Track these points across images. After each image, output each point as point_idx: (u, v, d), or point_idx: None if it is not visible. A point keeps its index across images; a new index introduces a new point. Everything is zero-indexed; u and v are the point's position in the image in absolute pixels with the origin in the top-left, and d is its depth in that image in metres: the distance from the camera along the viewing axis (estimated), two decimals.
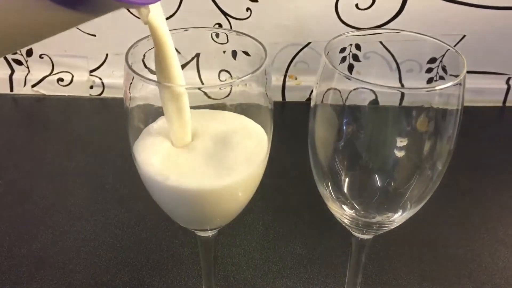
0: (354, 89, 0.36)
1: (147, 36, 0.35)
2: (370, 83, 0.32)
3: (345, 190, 0.38)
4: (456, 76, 0.36)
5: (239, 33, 0.38)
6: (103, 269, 0.52)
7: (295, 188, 0.63)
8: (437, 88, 0.32)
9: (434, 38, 0.38)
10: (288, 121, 0.79)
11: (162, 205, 0.36)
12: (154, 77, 0.33)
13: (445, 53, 0.38)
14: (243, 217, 0.58)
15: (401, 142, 0.36)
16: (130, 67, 0.32)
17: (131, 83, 0.33)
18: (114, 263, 0.53)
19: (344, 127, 0.36)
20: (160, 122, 0.35)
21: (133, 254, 0.54)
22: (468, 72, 0.86)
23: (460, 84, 0.34)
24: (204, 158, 0.33)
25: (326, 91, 0.39)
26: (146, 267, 0.52)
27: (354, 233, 0.40)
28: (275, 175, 0.65)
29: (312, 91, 0.88)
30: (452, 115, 0.34)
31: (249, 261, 0.53)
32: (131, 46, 0.33)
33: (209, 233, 0.40)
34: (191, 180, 0.32)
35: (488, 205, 0.61)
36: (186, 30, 0.38)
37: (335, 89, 0.39)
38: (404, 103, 0.37)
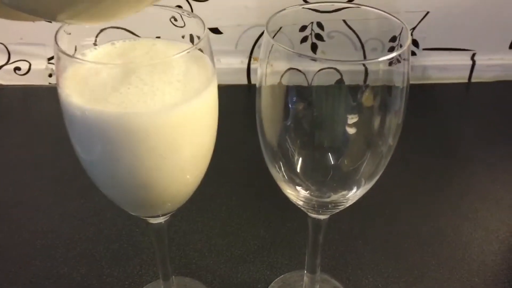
0: (320, 70, 0.35)
1: None
2: (309, 56, 0.31)
3: (298, 170, 0.37)
4: (413, 54, 0.35)
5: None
6: (60, 262, 0.50)
7: (260, 172, 0.62)
8: (380, 59, 0.31)
9: (390, 14, 0.37)
10: (254, 104, 0.78)
11: (95, 174, 0.34)
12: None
13: (401, 31, 0.38)
14: (206, 203, 0.57)
15: (351, 118, 0.35)
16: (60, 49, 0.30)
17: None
18: (72, 255, 0.51)
19: (291, 106, 0.35)
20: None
21: (92, 245, 0.52)
22: (432, 49, 0.86)
23: (404, 59, 0.33)
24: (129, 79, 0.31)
25: (286, 71, 0.38)
26: (106, 257, 0.51)
27: (309, 213, 0.40)
28: (240, 160, 0.64)
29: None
30: (398, 89, 0.33)
31: (212, 247, 0.52)
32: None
33: (161, 219, 0.39)
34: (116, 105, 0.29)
35: (452, 181, 0.61)
36: None
37: (294, 69, 0.38)
38: (369, 82, 0.37)
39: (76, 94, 0.31)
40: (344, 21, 0.44)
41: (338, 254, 0.51)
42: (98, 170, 0.33)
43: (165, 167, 0.32)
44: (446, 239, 0.53)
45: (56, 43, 0.30)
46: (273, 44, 0.33)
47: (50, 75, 0.78)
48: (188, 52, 0.30)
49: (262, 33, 0.76)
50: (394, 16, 0.35)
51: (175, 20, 0.39)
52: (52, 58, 0.77)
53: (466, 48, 0.78)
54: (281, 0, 0.73)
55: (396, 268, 0.50)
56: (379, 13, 0.36)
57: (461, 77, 0.80)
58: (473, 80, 0.80)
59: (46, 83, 0.79)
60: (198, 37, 0.35)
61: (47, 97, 0.77)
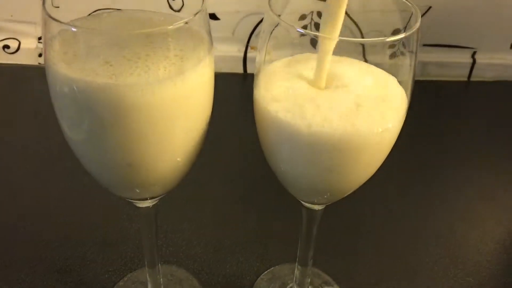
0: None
1: None
2: (312, 33, 0.30)
3: None
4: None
5: None
6: (42, 246, 0.48)
7: (253, 162, 0.60)
8: (387, 39, 0.30)
9: None
10: (250, 94, 0.76)
11: (81, 151, 0.33)
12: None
13: (410, 17, 0.36)
14: (196, 191, 0.55)
15: None
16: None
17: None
18: (55, 239, 0.49)
19: None
20: None
21: (76, 229, 0.50)
22: (433, 45, 0.84)
23: (411, 51, 0.32)
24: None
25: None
26: (89, 242, 0.49)
27: (304, 203, 0.38)
28: (233, 149, 0.62)
29: None
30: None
31: (201, 237, 0.51)
32: None
33: (149, 203, 0.37)
34: None
35: (449, 179, 0.60)
36: None
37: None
38: None
39: (63, 65, 0.29)
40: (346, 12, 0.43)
41: (330, 249, 0.50)
42: (85, 147, 0.31)
43: (155, 145, 0.30)
44: (441, 238, 0.52)
45: (44, 7, 0.28)
46: (278, 23, 0.31)
47: (40, 55, 0.76)
48: (186, 23, 0.29)
49: (260, 21, 0.75)
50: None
51: None
52: None
53: (467, 46, 0.77)
54: None
55: (390, 265, 0.49)
56: None
57: (461, 75, 0.79)
58: (472, 78, 0.79)
59: (36, 63, 0.76)
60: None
61: (36, 77, 0.75)
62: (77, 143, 0.31)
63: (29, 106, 0.69)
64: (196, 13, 0.30)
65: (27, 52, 0.75)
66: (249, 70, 0.79)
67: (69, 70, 0.28)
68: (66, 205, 0.53)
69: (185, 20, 0.29)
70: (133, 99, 0.28)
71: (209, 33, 0.32)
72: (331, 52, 0.31)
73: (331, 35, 0.31)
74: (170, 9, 0.37)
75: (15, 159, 0.59)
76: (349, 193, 0.36)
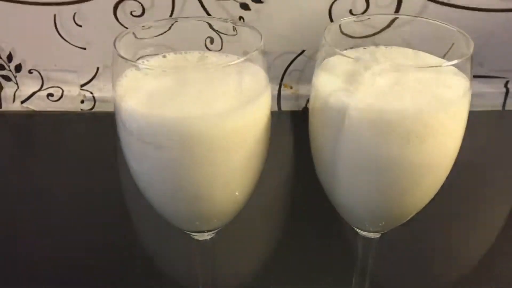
0: None
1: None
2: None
3: None
4: None
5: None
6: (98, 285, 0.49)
7: (298, 196, 0.61)
8: (443, 64, 0.31)
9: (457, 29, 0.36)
10: (285, 130, 0.77)
11: (145, 183, 0.33)
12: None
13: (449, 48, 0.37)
14: (246, 226, 0.55)
15: None
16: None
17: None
18: (110, 278, 0.49)
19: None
20: None
21: (135, 265, 0.51)
22: None
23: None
24: None
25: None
26: (144, 276, 0.49)
27: (360, 231, 0.38)
28: (276, 185, 0.62)
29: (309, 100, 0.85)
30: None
31: (253, 272, 0.51)
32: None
33: (206, 236, 0.37)
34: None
35: (491, 207, 0.59)
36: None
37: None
38: None
39: (132, 100, 0.30)
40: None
41: (383, 280, 0.49)
42: (152, 180, 0.32)
43: (217, 176, 0.31)
44: (498, 269, 0.51)
45: (115, 47, 0.30)
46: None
47: (82, 101, 0.79)
48: (243, 61, 0.30)
49: (293, 60, 0.77)
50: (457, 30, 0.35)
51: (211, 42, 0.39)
52: (84, 84, 0.78)
53: (499, 75, 0.77)
54: (312, 28, 0.74)
55: None
56: (436, 24, 0.36)
57: (494, 104, 0.79)
58: (507, 108, 0.79)
59: (78, 109, 0.79)
60: None
61: (79, 123, 0.78)
62: (143, 177, 0.33)
63: (73, 150, 0.71)
64: (255, 50, 0.31)
65: (70, 99, 0.78)
66: (283, 108, 0.80)
67: (136, 105, 0.30)
68: (121, 244, 0.54)
69: (245, 57, 0.30)
70: (198, 131, 0.29)
71: (266, 68, 0.33)
72: None
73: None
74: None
75: (56, 207, 0.60)
76: (406, 219, 0.36)
